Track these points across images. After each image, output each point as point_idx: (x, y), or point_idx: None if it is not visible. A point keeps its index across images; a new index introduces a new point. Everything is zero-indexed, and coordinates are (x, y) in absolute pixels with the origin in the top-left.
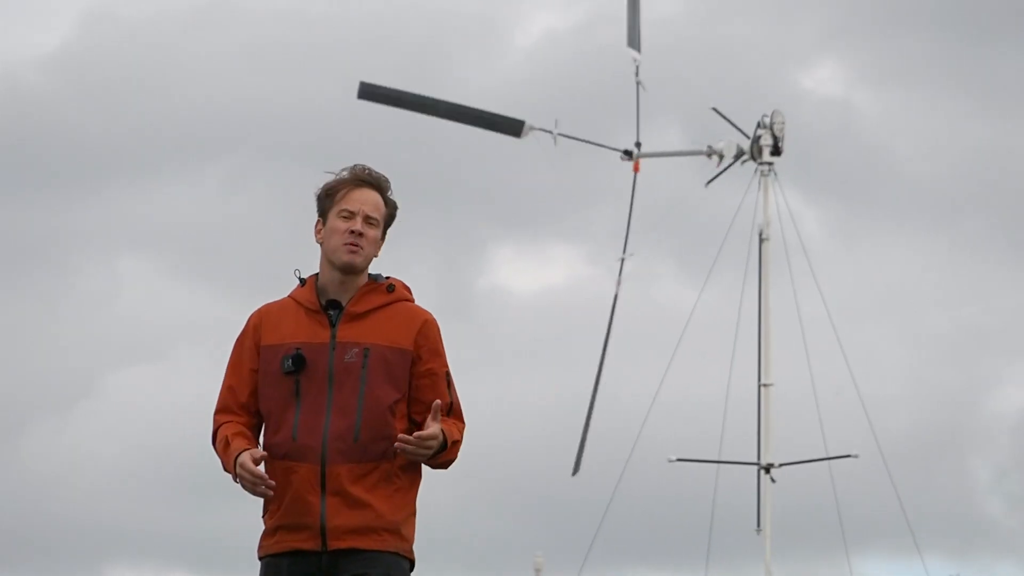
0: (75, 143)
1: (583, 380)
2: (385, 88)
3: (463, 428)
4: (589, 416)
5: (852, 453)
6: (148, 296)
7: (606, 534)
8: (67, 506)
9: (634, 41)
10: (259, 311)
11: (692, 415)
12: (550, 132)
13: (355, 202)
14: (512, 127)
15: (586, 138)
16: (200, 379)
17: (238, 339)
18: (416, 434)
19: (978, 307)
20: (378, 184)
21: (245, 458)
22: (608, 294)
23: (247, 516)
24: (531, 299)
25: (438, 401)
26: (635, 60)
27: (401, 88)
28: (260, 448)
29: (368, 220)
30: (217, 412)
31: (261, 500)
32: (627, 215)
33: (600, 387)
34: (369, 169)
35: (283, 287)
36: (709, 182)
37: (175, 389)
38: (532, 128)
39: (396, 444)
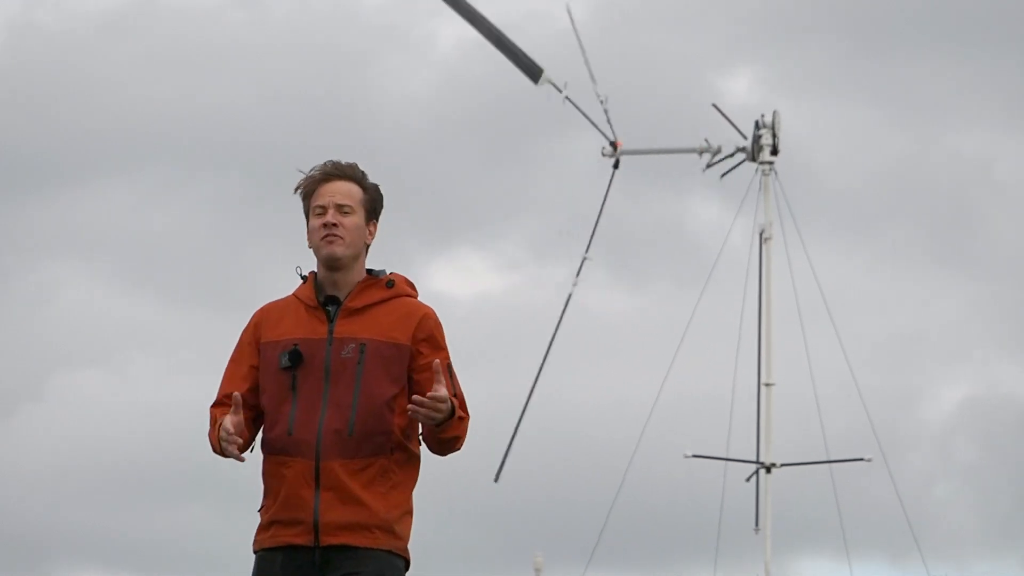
0: (3, 150)
1: (573, 381)
2: None
3: (466, 418)
4: (519, 423)
5: (865, 457)
6: (83, 300)
7: (606, 534)
8: (13, 509)
9: (533, 73)
10: (262, 309)
11: (692, 416)
12: (560, 91)
13: (324, 196)
14: (532, 71)
15: (585, 112)
16: (144, 381)
17: (240, 336)
18: (429, 394)
19: (906, 315)
20: (347, 173)
21: (225, 420)
22: (538, 298)
23: (196, 519)
24: (473, 304)
25: (437, 360)
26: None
27: (319, 93)
28: (255, 440)
29: (341, 209)
30: (212, 406)
31: (221, 506)
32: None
33: (594, 390)
34: (336, 162)
35: (222, 290)
36: (724, 175)
37: (119, 392)
38: (548, 80)
39: (409, 407)
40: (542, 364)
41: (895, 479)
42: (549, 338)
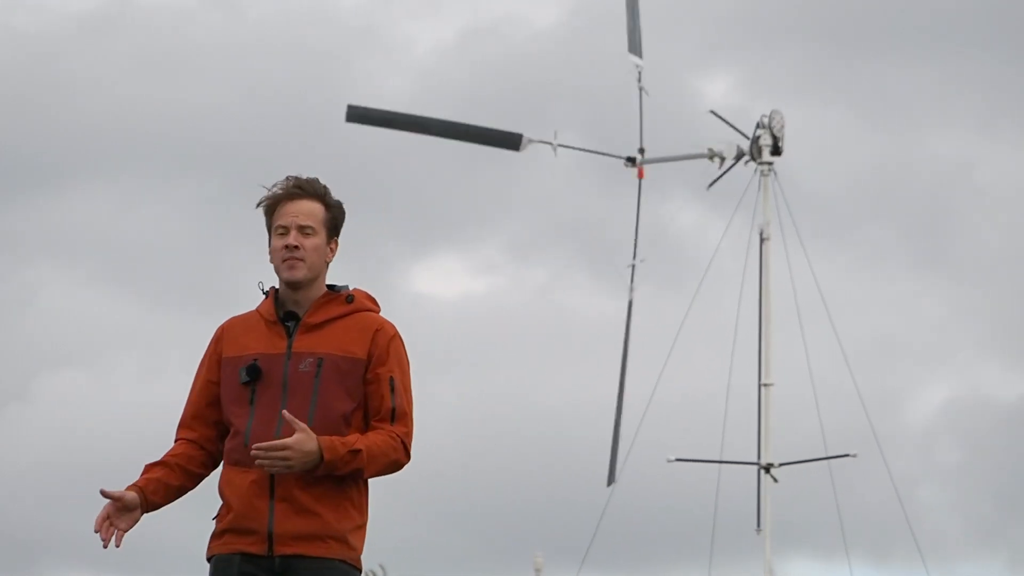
0: None
1: (571, 382)
2: (374, 110)
3: (402, 432)
4: (617, 422)
5: (851, 452)
6: (66, 302)
7: (606, 534)
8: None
9: (635, 47)
10: (224, 324)
11: (689, 416)
12: (550, 143)
13: (287, 216)
14: (510, 141)
15: (586, 147)
16: (127, 382)
17: (204, 352)
18: (261, 444)
19: (886, 318)
20: (310, 191)
21: (103, 509)
22: (518, 301)
23: (178, 520)
24: (453, 308)
25: (284, 411)
26: (637, 67)
27: (297, 94)
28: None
29: (303, 230)
30: (178, 427)
31: (208, 504)
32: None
33: (592, 391)
34: (298, 179)
35: (203, 291)
36: (711, 184)
37: (103, 392)
38: (531, 141)
39: (251, 452)
40: (623, 363)
41: (883, 476)
42: (531, 340)
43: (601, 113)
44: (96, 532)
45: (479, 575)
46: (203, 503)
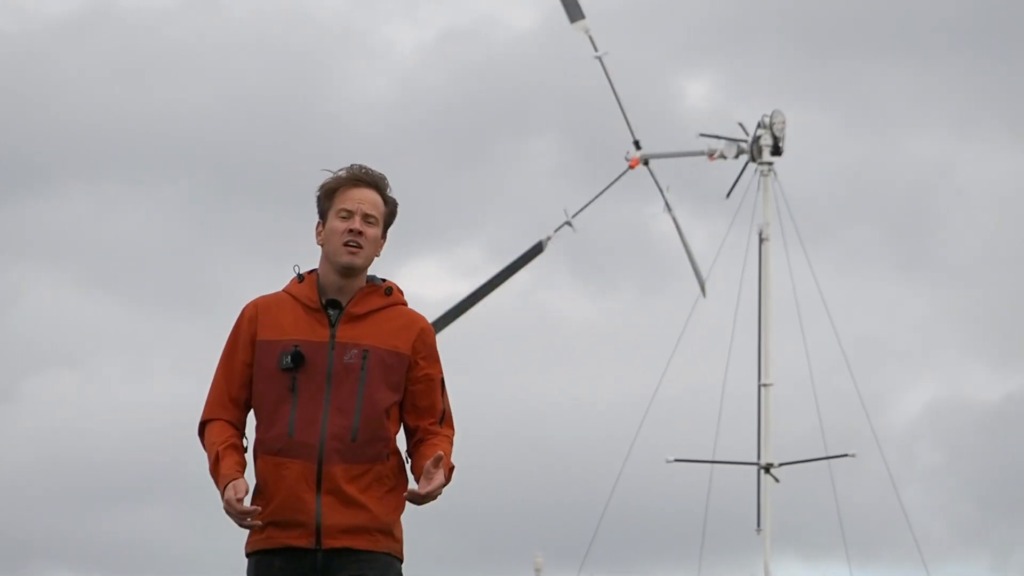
0: None
1: (571, 384)
2: None
3: (453, 436)
4: None
5: (849, 452)
6: (50, 303)
7: (606, 534)
8: None
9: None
10: (255, 303)
11: (688, 417)
12: (596, 49)
13: (353, 201)
14: (574, 10)
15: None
16: (113, 383)
17: (232, 331)
18: (420, 492)
19: (868, 319)
20: (376, 182)
21: (230, 494)
22: (502, 303)
23: (167, 519)
24: (437, 310)
25: (440, 453)
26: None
27: (280, 96)
28: (249, 443)
29: (367, 219)
30: (208, 403)
31: (197, 506)
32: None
33: (590, 393)
34: (367, 168)
35: (188, 291)
36: (729, 193)
37: (89, 393)
38: (588, 31)
39: (405, 495)
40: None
41: (875, 476)
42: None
43: (581, 115)
44: (247, 521)
45: (479, 575)
46: (192, 504)
